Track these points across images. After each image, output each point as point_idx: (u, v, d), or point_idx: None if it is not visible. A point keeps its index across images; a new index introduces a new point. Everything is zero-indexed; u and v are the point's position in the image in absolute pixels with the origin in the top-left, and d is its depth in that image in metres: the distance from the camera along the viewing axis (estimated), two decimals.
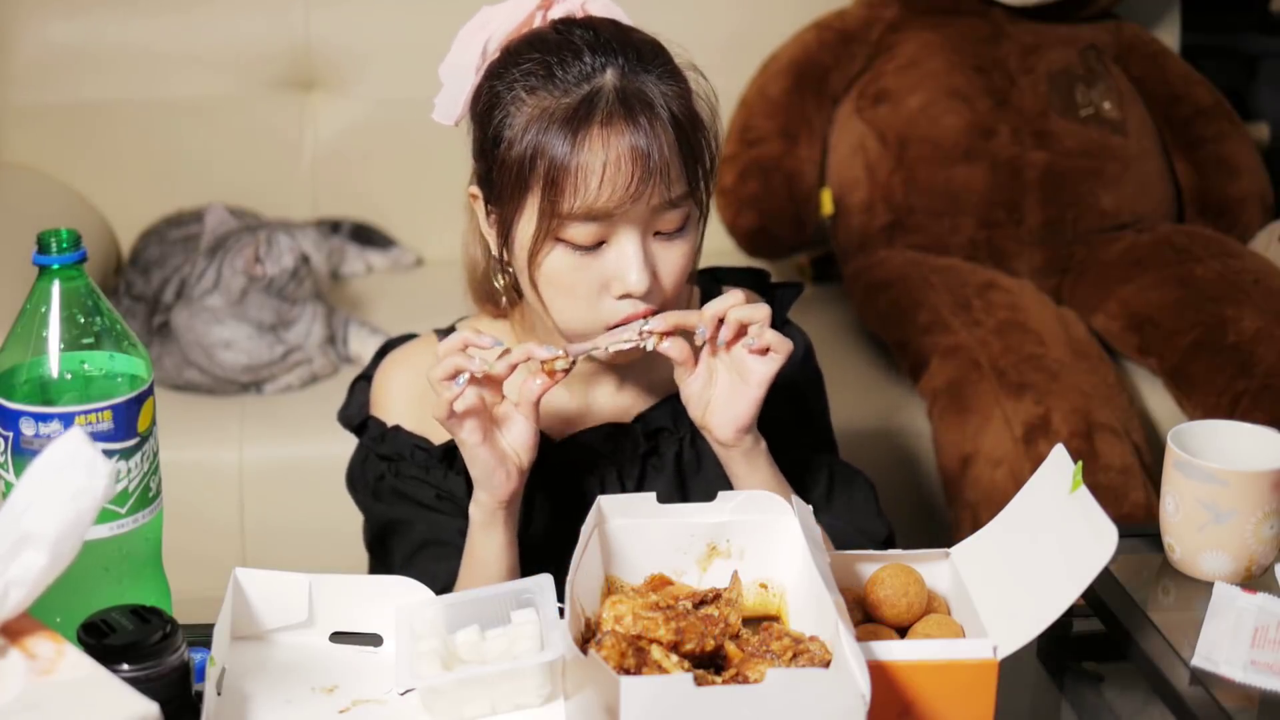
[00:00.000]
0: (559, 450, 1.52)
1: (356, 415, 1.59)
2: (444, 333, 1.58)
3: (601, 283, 1.39)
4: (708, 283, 1.62)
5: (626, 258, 1.38)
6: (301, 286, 2.40)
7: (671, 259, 1.41)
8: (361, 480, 1.58)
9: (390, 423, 1.55)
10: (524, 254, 1.40)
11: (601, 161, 1.35)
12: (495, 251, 1.46)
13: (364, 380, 1.60)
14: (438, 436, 1.53)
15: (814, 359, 1.64)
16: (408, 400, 1.55)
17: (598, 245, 1.39)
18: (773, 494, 1.29)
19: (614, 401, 1.55)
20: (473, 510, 1.43)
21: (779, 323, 1.61)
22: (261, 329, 2.36)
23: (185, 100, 2.72)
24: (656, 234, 1.40)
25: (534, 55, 1.40)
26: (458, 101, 1.46)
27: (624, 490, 1.52)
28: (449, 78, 1.46)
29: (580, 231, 1.37)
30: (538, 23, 1.45)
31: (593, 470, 1.54)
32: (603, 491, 1.52)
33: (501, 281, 1.48)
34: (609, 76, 1.37)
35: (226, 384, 2.37)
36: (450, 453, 1.52)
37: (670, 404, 1.54)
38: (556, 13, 1.45)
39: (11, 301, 1.28)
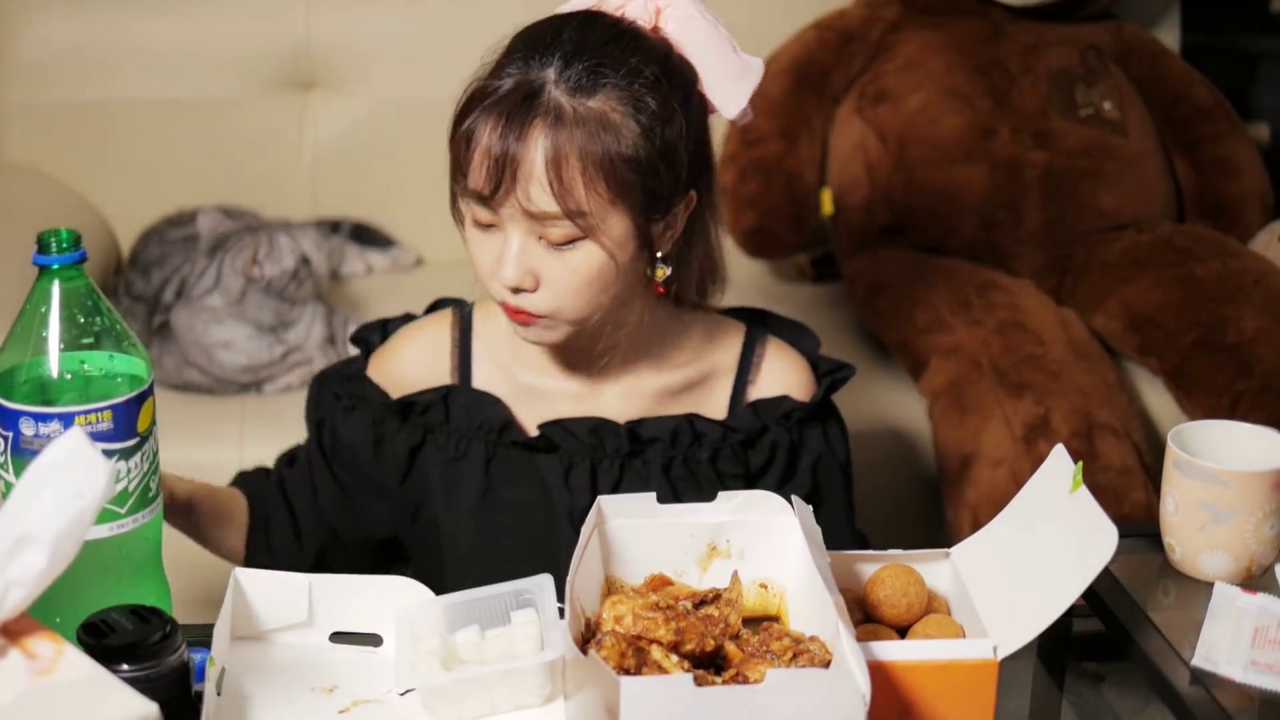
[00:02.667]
0: (540, 431, 1.54)
1: (366, 340, 1.64)
2: (461, 309, 1.62)
3: (495, 266, 1.43)
4: (756, 330, 1.62)
5: (505, 249, 1.42)
6: (302, 288, 2.39)
7: (556, 269, 1.42)
8: (317, 394, 1.63)
9: (379, 381, 1.58)
10: (452, 207, 1.47)
11: (478, 149, 1.39)
12: None
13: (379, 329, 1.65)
14: None
15: (849, 465, 1.64)
16: (405, 374, 1.58)
17: (490, 227, 1.42)
18: (772, 494, 1.29)
19: (618, 404, 1.56)
20: None
21: (824, 414, 1.62)
22: (261, 329, 2.36)
23: (185, 100, 2.72)
24: (543, 239, 1.41)
25: (509, 44, 1.46)
26: None
27: (594, 485, 1.53)
28: None
29: (474, 210, 1.42)
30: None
31: (566, 457, 1.55)
32: (567, 481, 1.54)
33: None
34: (544, 74, 1.40)
35: (226, 384, 2.37)
36: (405, 409, 1.56)
37: (674, 421, 1.55)
38: (630, 11, 1.47)
39: (11, 301, 1.28)
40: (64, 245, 1.16)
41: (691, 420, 1.55)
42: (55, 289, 1.17)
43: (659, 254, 1.47)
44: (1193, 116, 2.70)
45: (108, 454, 1.15)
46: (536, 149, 1.37)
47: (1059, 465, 1.23)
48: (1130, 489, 2.16)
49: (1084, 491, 1.18)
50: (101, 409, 1.16)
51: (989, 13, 2.66)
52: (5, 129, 2.70)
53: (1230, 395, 2.25)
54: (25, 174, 2.68)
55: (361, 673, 1.25)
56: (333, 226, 2.72)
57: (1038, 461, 1.26)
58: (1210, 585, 1.29)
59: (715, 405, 1.59)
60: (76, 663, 0.99)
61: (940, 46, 2.61)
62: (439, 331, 1.60)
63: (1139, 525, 1.44)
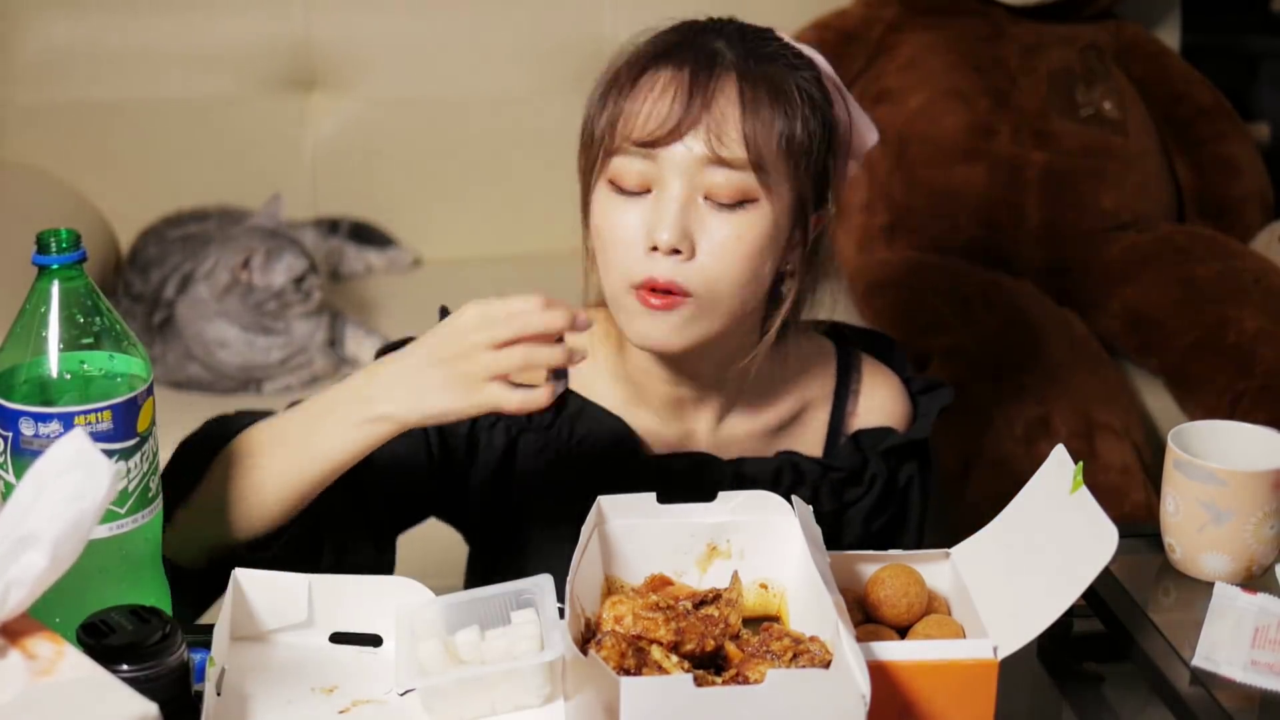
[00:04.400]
0: (642, 473, 1.46)
1: None
2: None
3: (642, 232, 1.33)
4: (847, 351, 1.54)
5: (662, 204, 1.32)
6: (288, 309, 2.38)
7: (719, 232, 1.33)
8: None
9: None
10: (583, 203, 1.38)
11: (655, 89, 1.32)
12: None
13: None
14: None
15: (926, 507, 1.58)
16: None
17: (644, 192, 1.34)
18: (772, 494, 1.29)
19: (713, 436, 1.50)
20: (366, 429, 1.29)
21: (915, 445, 1.54)
22: (248, 330, 2.36)
23: (185, 100, 2.72)
24: (708, 199, 1.33)
25: (667, 29, 1.39)
26: None
27: None
28: None
29: (626, 167, 1.33)
30: None
31: (670, 498, 1.46)
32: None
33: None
34: (713, 44, 1.35)
35: (225, 380, 2.37)
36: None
37: (776, 462, 1.48)
38: None
39: (11, 301, 1.27)
40: (64, 245, 1.16)
41: (794, 460, 1.50)
42: (55, 289, 1.16)
43: (787, 267, 1.41)
44: (1193, 116, 2.70)
45: (107, 454, 1.15)
46: (730, 88, 1.31)
47: (1059, 465, 1.23)
48: (1130, 489, 2.16)
49: (1084, 491, 1.18)
50: (101, 409, 1.16)
51: (989, 12, 2.66)
52: (6, 129, 2.70)
53: (1230, 395, 2.25)
54: (25, 174, 2.69)
55: (361, 673, 1.25)
56: (332, 226, 2.72)
57: (1038, 461, 1.26)
58: (1210, 585, 1.29)
59: (811, 437, 1.53)
60: (76, 663, 0.99)
61: (940, 46, 2.62)
62: None
63: (1139, 525, 1.44)
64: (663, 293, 1.33)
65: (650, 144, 1.32)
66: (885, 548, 1.53)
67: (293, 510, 1.34)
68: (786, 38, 1.42)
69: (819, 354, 1.54)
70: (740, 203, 1.33)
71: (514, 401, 1.25)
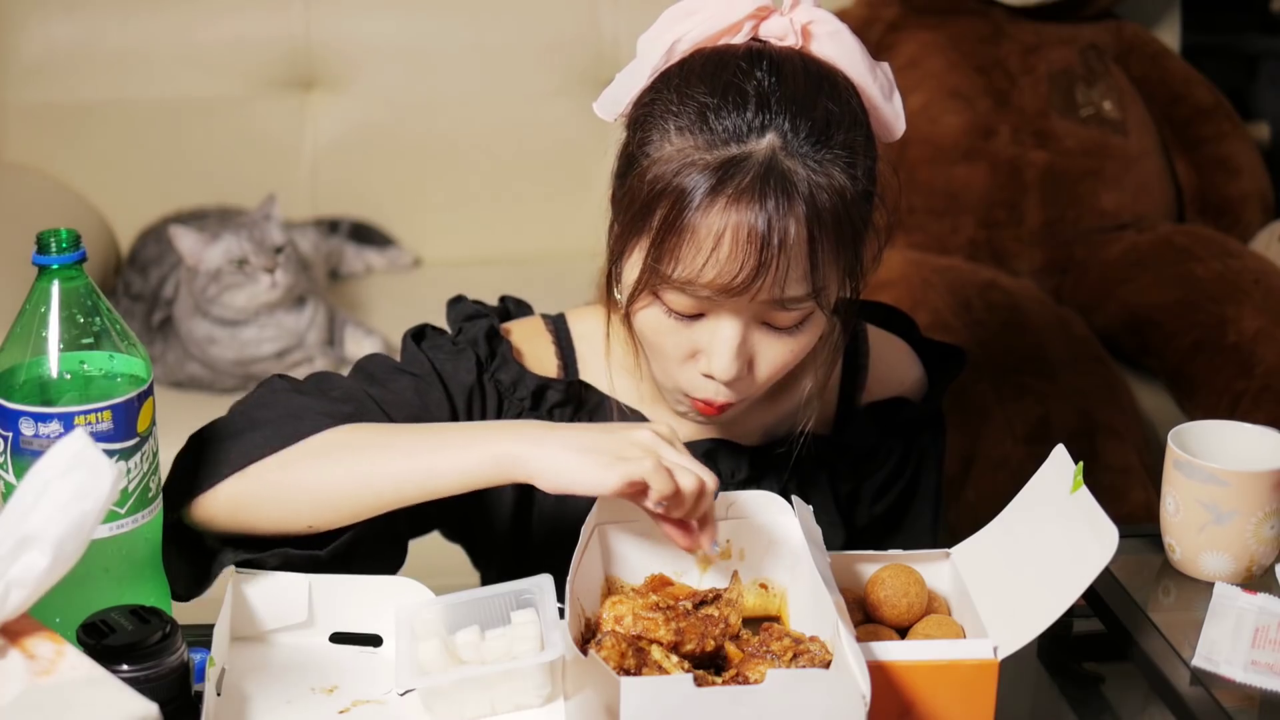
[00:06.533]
0: None
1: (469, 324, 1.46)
2: (552, 320, 1.50)
3: (691, 349, 1.31)
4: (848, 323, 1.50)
5: (719, 341, 1.29)
6: (230, 291, 2.35)
7: (773, 353, 1.31)
8: (418, 340, 1.44)
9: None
10: (625, 292, 1.33)
11: (714, 240, 1.23)
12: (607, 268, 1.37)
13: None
14: None
15: (941, 471, 1.56)
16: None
17: (696, 316, 1.30)
18: (772, 494, 1.28)
19: (731, 425, 1.48)
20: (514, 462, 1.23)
21: (931, 414, 1.53)
22: (227, 325, 2.36)
23: (185, 100, 2.72)
24: (765, 324, 1.30)
25: (701, 88, 1.27)
26: (622, 101, 1.34)
27: None
28: (627, 72, 1.33)
29: (679, 301, 1.29)
30: (743, 35, 1.31)
31: None
32: None
33: (620, 299, 1.36)
34: (764, 143, 1.24)
35: (224, 376, 2.38)
36: (540, 391, 1.43)
37: (792, 446, 1.46)
38: (769, 29, 1.31)
39: (11, 301, 1.27)
40: (64, 245, 1.16)
41: (810, 442, 1.46)
42: (55, 289, 1.16)
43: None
44: (1193, 116, 2.70)
45: (108, 454, 1.15)
46: (801, 236, 1.24)
47: (1059, 465, 1.23)
48: (1130, 489, 2.16)
49: (1084, 491, 1.18)
50: (101, 409, 1.16)
51: (989, 12, 2.66)
52: (5, 129, 2.70)
53: (1230, 395, 2.25)
54: (25, 174, 2.69)
55: (361, 673, 1.25)
56: (331, 226, 2.73)
57: (1038, 462, 1.26)
58: (1210, 585, 1.29)
59: (824, 414, 1.51)
60: (76, 663, 0.99)
61: (940, 46, 2.62)
62: (537, 340, 1.48)
63: (1139, 525, 1.44)
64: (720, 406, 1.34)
65: (708, 296, 1.27)
66: (898, 520, 1.54)
67: (366, 515, 1.29)
68: (784, 41, 1.32)
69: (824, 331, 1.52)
70: (800, 322, 1.31)
71: (663, 483, 1.18)
